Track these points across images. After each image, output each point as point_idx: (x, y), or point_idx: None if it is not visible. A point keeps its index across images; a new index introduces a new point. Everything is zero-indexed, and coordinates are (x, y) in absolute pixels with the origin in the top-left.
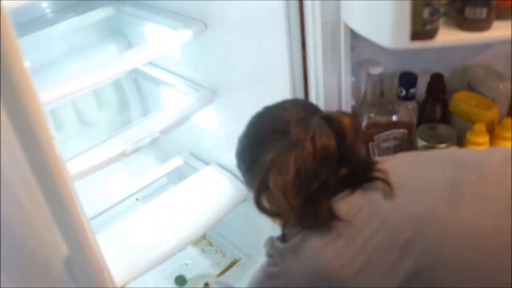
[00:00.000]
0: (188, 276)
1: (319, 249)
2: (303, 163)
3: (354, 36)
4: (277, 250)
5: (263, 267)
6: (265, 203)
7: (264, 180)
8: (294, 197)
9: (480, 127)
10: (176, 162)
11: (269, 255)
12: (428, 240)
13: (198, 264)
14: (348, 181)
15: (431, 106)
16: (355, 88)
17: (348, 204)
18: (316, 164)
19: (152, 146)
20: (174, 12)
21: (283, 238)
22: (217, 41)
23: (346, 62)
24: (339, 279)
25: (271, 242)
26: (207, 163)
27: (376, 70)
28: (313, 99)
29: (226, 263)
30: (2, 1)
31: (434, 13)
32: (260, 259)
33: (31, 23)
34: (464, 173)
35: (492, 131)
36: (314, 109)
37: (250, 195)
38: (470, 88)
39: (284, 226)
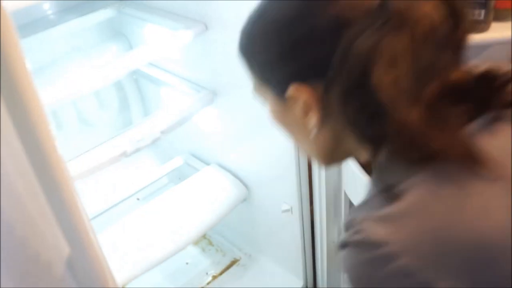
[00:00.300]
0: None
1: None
2: (419, 49)
3: None
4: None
5: (363, 259)
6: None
7: (358, 79)
8: (413, 106)
9: None
10: (176, 162)
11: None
12: None
13: (198, 264)
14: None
15: None
16: None
17: (495, 139)
18: (436, 51)
19: (153, 146)
20: (174, 13)
21: (389, 195)
22: (217, 42)
23: None
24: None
25: (363, 218)
26: (207, 163)
27: None
28: None
29: (226, 262)
30: (4, 3)
31: None
32: (260, 259)
33: (33, 24)
34: None
35: None
36: None
37: (251, 193)
38: None
39: (369, 167)
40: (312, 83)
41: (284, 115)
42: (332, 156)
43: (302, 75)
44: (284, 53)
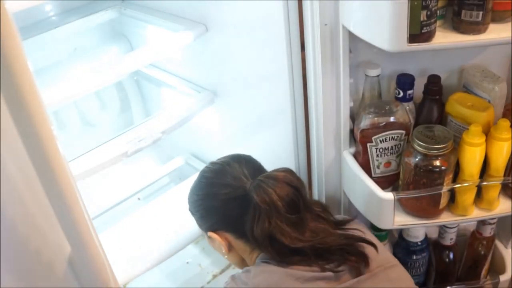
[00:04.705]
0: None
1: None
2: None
3: (352, 38)
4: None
5: None
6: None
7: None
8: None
9: (476, 128)
10: (177, 162)
11: None
12: None
13: (198, 263)
14: None
15: (428, 107)
16: (353, 89)
17: None
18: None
19: (153, 146)
20: (175, 14)
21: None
22: (217, 43)
23: (344, 64)
24: None
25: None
26: (207, 163)
27: (374, 72)
28: (311, 100)
29: (226, 261)
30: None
31: (431, 16)
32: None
33: (35, 26)
34: None
35: (487, 132)
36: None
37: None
38: (466, 89)
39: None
40: (220, 231)
41: (211, 243)
42: (243, 263)
43: (214, 228)
44: (202, 216)
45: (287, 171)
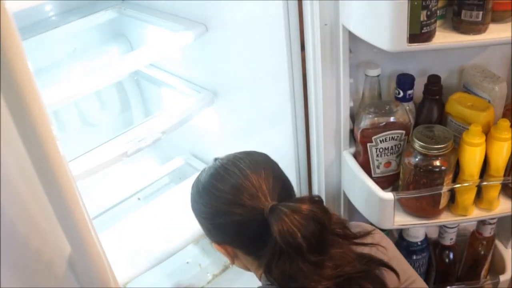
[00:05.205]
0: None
1: None
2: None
3: (352, 38)
4: None
5: None
6: None
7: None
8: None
9: (476, 128)
10: (177, 162)
11: None
12: None
13: (198, 263)
14: None
15: (428, 107)
16: (353, 90)
17: None
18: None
19: (153, 146)
20: (175, 14)
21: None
22: (217, 43)
23: (344, 64)
24: None
25: None
26: (207, 163)
27: (374, 72)
28: (311, 100)
29: (226, 261)
30: (6, 5)
31: (431, 16)
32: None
33: (35, 26)
34: None
35: (487, 132)
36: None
37: None
38: (466, 89)
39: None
40: (225, 244)
41: (217, 249)
42: (248, 268)
43: (220, 242)
44: (208, 229)
45: (314, 202)
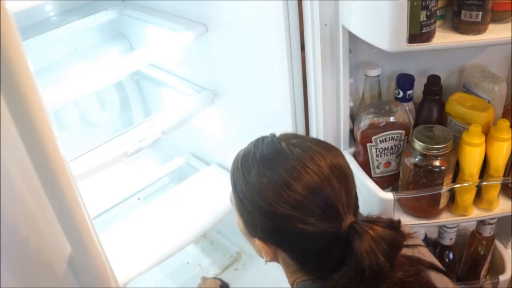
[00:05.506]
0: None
1: None
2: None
3: (352, 38)
4: None
5: None
6: None
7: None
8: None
9: (476, 128)
10: (177, 162)
11: None
12: None
13: (198, 263)
14: None
15: (427, 107)
16: (353, 90)
17: None
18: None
19: (153, 146)
20: (175, 14)
21: None
22: (217, 43)
23: (344, 64)
24: None
25: None
26: (207, 163)
27: (374, 72)
28: (311, 100)
29: (226, 261)
30: (6, 5)
31: (431, 16)
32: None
33: (35, 26)
34: None
35: (487, 132)
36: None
37: None
38: (466, 89)
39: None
40: (268, 242)
41: (247, 236)
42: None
43: (268, 240)
44: (264, 229)
45: (395, 229)
